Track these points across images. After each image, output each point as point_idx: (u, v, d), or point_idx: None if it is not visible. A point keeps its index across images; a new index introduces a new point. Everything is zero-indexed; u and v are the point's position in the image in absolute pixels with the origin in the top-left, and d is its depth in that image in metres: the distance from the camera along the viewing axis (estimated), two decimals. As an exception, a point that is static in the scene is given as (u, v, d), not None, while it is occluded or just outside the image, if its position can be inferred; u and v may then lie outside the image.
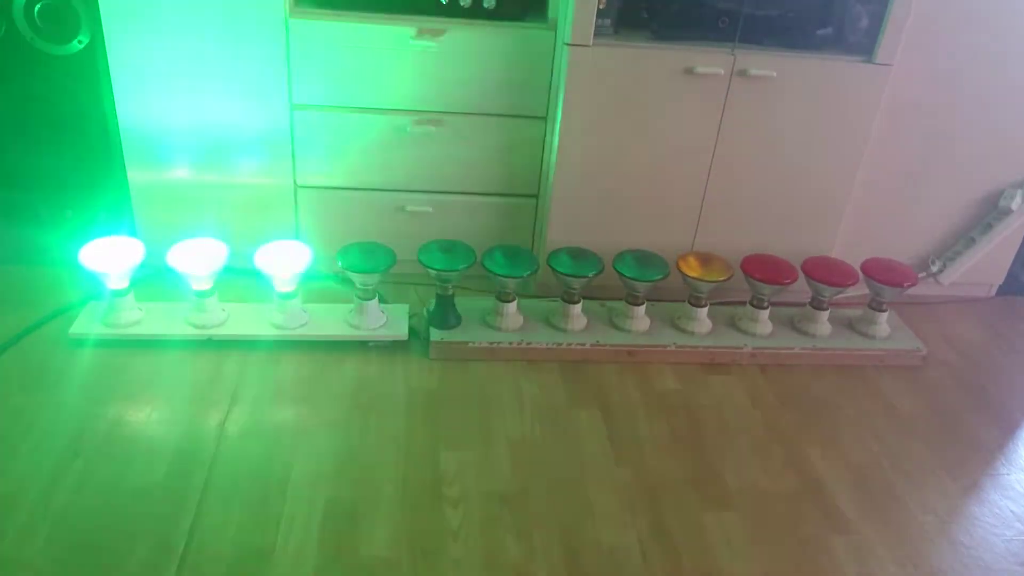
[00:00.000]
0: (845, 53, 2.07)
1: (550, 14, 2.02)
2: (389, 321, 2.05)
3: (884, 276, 2.13)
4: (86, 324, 1.95)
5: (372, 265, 1.94)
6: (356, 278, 1.96)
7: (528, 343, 2.04)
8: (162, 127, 2.05)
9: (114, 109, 2.01)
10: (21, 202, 2.15)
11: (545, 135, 2.14)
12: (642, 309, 2.11)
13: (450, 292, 2.03)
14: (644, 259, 2.10)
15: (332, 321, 2.04)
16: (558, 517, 1.59)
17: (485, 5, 2.01)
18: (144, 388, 1.83)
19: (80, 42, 1.99)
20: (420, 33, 1.98)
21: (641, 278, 2.05)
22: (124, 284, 1.93)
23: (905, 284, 2.12)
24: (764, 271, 2.10)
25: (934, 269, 2.41)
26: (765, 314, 2.15)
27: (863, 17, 2.08)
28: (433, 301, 2.06)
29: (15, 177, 2.14)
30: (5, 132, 2.08)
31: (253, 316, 2.02)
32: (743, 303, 2.18)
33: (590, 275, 2.03)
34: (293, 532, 1.49)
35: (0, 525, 1.45)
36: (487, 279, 2.04)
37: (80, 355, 1.90)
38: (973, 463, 1.85)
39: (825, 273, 2.12)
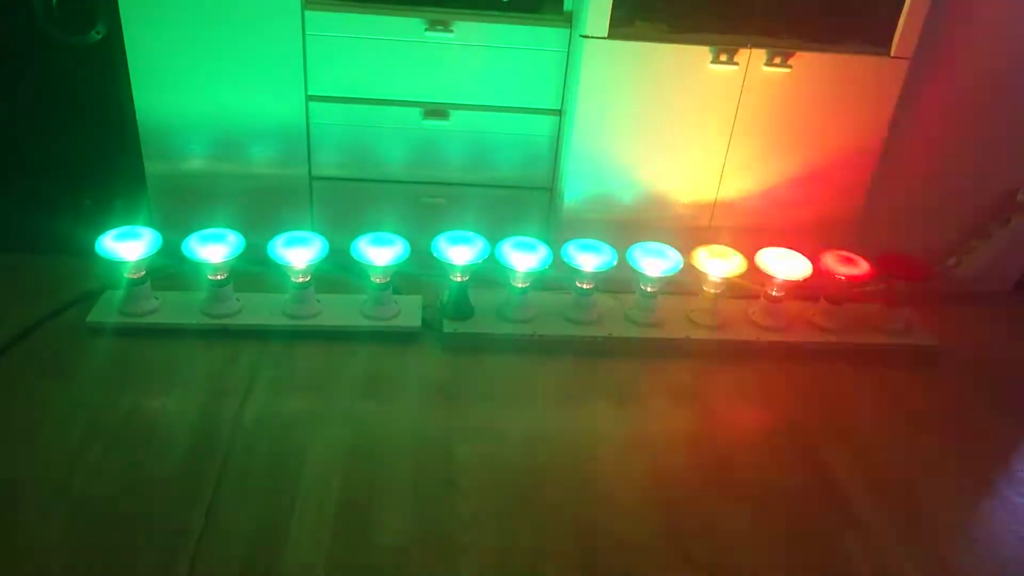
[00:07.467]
0: (862, 47, 2.06)
1: (566, 6, 2.02)
2: (402, 312, 2.06)
3: (900, 270, 2.12)
4: (103, 313, 1.97)
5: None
6: (370, 269, 1.97)
7: (542, 335, 2.04)
8: (178, 117, 2.06)
9: (131, 99, 2.02)
10: (39, 191, 2.17)
11: (560, 127, 2.14)
12: (656, 302, 2.11)
13: (464, 283, 2.03)
14: (658, 252, 2.10)
15: (346, 311, 2.04)
16: (571, 509, 1.59)
17: (501, -4, 2.01)
18: (160, 376, 1.85)
19: (98, 33, 2.00)
20: (434, 25, 1.98)
21: (654, 271, 2.04)
22: (141, 273, 1.95)
23: (921, 279, 2.11)
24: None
25: (950, 264, 2.39)
26: (780, 308, 2.14)
27: (880, 11, 2.06)
28: (447, 292, 2.07)
29: (33, 166, 2.15)
30: (23, 122, 2.09)
31: (268, 306, 2.03)
32: (757, 296, 2.17)
33: (604, 267, 2.02)
34: (307, 520, 1.50)
35: (18, 511, 1.47)
36: (501, 271, 2.04)
37: (97, 343, 1.92)
38: (988, 459, 1.84)
39: (841, 267, 2.11)
